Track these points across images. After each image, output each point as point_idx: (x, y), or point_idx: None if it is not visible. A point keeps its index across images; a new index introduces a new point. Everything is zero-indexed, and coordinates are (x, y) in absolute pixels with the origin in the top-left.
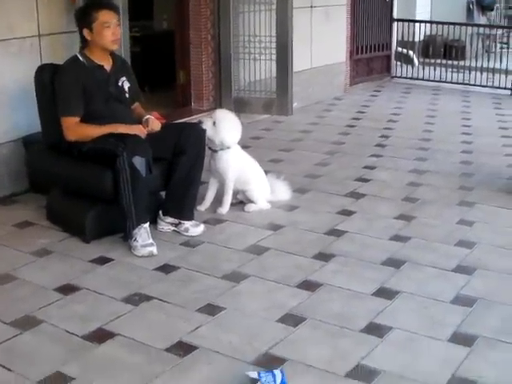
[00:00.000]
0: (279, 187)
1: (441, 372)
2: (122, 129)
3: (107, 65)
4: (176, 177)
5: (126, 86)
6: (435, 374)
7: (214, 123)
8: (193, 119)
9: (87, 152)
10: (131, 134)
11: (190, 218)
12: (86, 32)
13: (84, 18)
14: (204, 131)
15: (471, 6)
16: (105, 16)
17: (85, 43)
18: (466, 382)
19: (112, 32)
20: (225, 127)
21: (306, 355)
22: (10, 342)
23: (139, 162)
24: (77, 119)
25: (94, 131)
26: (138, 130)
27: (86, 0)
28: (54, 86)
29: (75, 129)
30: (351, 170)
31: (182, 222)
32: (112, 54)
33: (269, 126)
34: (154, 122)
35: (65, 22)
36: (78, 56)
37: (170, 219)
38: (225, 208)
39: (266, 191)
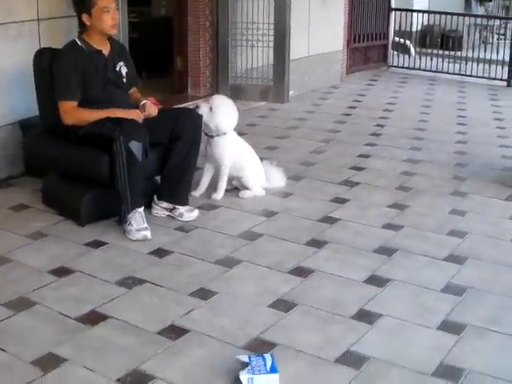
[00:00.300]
0: (274, 174)
1: (429, 359)
2: (119, 113)
3: (105, 50)
4: (172, 162)
5: (124, 71)
6: (424, 360)
7: (211, 109)
8: (189, 105)
9: (84, 136)
10: (128, 119)
11: (184, 203)
12: (84, 17)
13: (83, 3)
14: (200, 117)
15: None
16: (104, 1)
17: (83, 28)
18: (454, 369)
19: (111, 17)
20: (221, 113)
21: (297, 340)
22: (3, 322)
23: (136, 146)
24: (74, 103)
25: (92, 115)
26: (135, 115)
27: None
28: (52, 70)
29: (73, 113)
30: (346, 159)
31: (177, 207)
32: (110, 39)
33: (265, 113)
34: (151, 107)
35: (64, 6)
36: (77, 41)
37: (164, 204)
38: (219, 194)
39: (261, 178)
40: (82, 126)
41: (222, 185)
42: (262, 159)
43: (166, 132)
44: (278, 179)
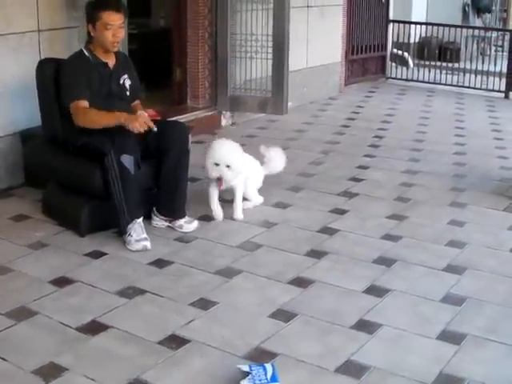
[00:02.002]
0: (273, 158)
1: (429, 369)
2: (125, 119)
3: (111, 62)
4: (163, 174)
5: (128, 83)
6: (424, 370)
7: (228, 167)
8: (189, 117)
9: (81, 147)
10: (120, 133)
11: (182, 216)
12: (90, 28)
13: (90, 14)
14: (187, 128)
15: (467, 9)
16: (109, 17)
17: (90, 38)
18: (454, 379)
19: (113, 34)
20: (239, 166)
21: (297, 350)
22: (4, 332)
23: (128, 160)
24: (85, 103)
25: (102, 120)
26: (140, 119)
27: None
28: (58, 78)
29: (85, 112)
30: (345, 170)
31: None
32: (115, 51)
33: (264, 124)
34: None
35: (65, 17)
36: (84, 51)
37: (163, 216)
38: (239, 213)
39: (259, 183)
40: (80, 136)
41: (239, 203)
42: (258, 146)
43: (154, 145)
44: (277, 162)
